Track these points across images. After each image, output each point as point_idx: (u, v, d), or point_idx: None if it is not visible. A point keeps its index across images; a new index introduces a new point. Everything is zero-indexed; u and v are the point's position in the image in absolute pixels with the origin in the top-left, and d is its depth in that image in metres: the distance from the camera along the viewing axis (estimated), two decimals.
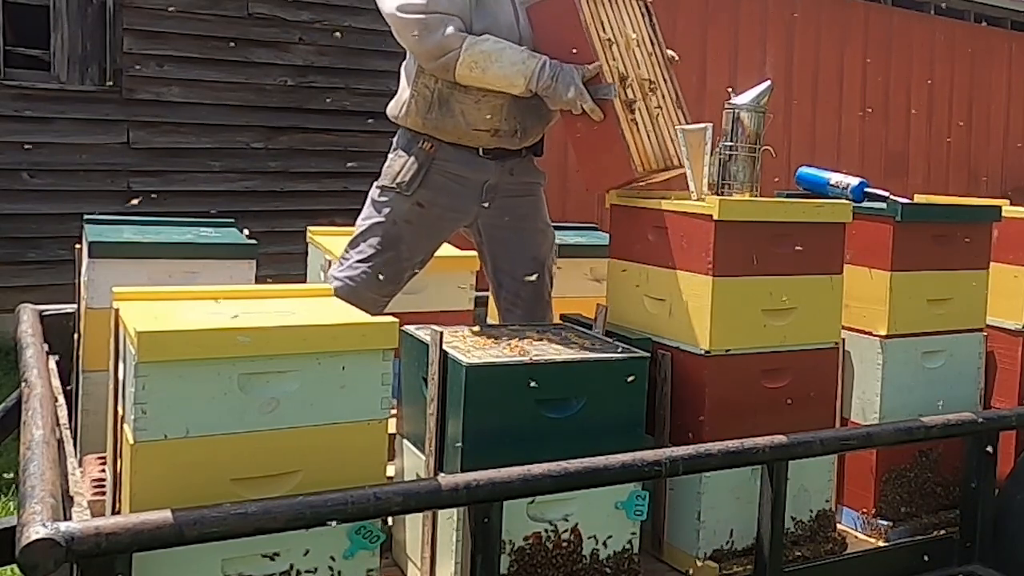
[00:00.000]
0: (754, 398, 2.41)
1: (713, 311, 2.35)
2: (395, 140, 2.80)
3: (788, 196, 2.90)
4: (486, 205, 2.74)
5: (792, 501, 2.38)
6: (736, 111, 2.58)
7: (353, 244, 2.76)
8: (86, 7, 6.51)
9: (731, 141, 2.57)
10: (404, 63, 2.77)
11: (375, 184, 2.77)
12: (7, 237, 6.22)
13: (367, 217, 2.76)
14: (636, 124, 2.55)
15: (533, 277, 2.82)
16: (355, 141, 7.14)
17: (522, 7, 2.71)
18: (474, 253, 2.97)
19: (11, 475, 3.97)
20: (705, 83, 8.19)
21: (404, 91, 2.72)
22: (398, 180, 2.70)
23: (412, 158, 2.69)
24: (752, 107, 2.58)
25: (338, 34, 6.99)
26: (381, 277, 2.70)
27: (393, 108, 2.77)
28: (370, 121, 6.97)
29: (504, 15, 2.67)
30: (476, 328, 2.42)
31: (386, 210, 2.72)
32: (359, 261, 2.72)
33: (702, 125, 2.57)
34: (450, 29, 2.54)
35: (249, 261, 2.87)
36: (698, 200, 2.50)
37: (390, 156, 2.77)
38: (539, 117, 2.75)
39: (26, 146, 6.22)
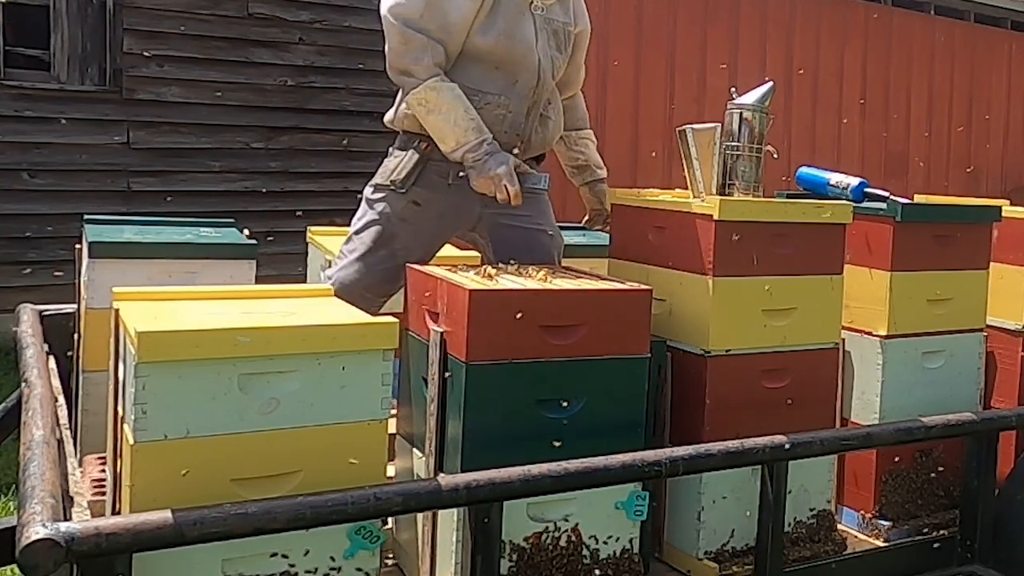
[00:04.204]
0: (754, 398, 2.41)
1: (713, 311, 2.36)
2: (393, 144, 2.78)
3: (788, 196, 2.90)
4: (488, 207, 2.70)
5: (792, 501, 2.39)
6: (741, 111, 2.58)
7: (347, 242, 2.74)
8: (86, 7, 6.51)
9: (736, 141, 2.57)
10: None
11: (369, 183, 2.75)
12: (7, 237, 6.23)
13: (361, 216, 2.73)
14: None
15: None
16: (355, 141, 7.15)
17: (552, 32, 2.69)
18: (475, 253, 2.96)
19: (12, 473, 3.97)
20: (705, 83, 8.19)
21: (401, 95, 2.68)
22: (392, 177, 2.66)
23: (407, 156, 2.65)
24: (757, 107, 2.58)
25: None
26: (376, 276, 2.66)
27: (390, 114, 2.75)
28: (367, 122, 6.98)
29: (523, 34, 2.62)
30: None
31: (380, 206, 2.69)
32: (354, 260, 2.69)
33: (711, 125, 2.57)
34: (427, 59, 2.51)
35: (249, 261, 2.87)
36: (698, 200, 2.50)
37: (386, 160, 2.75)
38: (543, 134, 2.74)
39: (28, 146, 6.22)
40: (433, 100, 2.51)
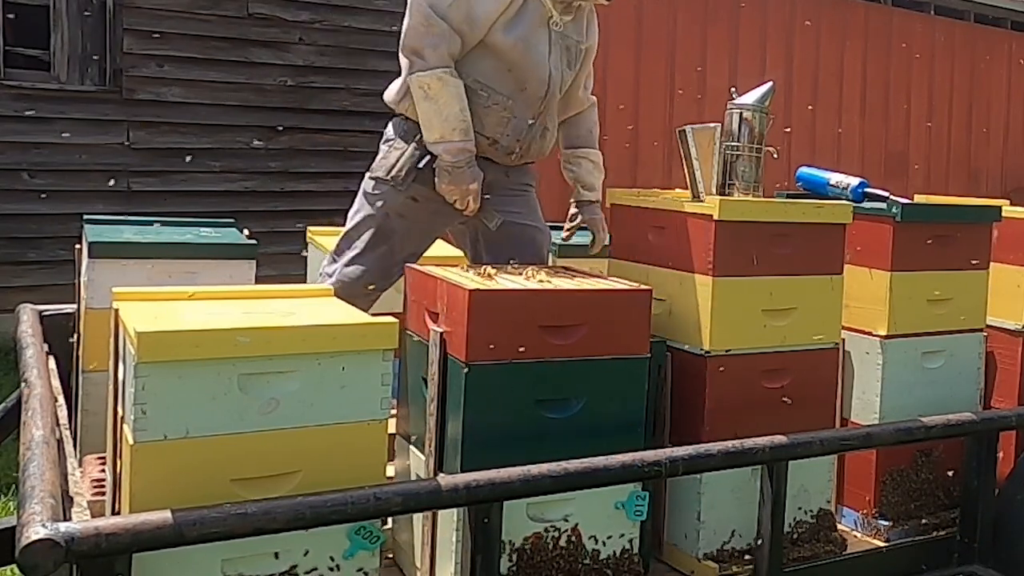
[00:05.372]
0: (754, 398, 2.41)
1: (713, 311, 2.35)
2: (390, 127, 2.77)
3: (788, 196, 2.90)
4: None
5: (792, 501, 2.38)
6: (741, 111, 2.58)
7: (346, 239, 2.74)
8: (86, 7, 6.51)
9: (736, 141, 2.57)
10: None
11: (368, 175, 2.75)
12: (7, 237, 6.22)
13: (359, 210, 2.74)
14: None
15: None
16: (355, 141, 7.14)
17: (565, 48, 2.69)
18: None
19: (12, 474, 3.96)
20: (705, 83, 8.19)
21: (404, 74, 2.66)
22: (393, 173, 2.67)
23: (408, 150, 2.66)
24: (757, 107, 2.58)
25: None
26: (376, 272, 2.69)
27: (393, 94, 2.73)
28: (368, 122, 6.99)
29: (537, 45, 2.63)
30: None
31: (379, 203, 2.70)
32: (354, 257, 2.71)
33: (711, 125, 2.57)
34: (443, 47, 2.53)
35: (249, 261, 2.87)
36: (698, 200, 2.50)
37: (384, 146, 2.75)
38: (541, 144, 2.77)
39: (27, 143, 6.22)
40: (436, 89, 2.53)
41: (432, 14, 2.53)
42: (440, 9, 2.52)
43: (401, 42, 2.61)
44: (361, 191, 2.76)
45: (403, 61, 2.61)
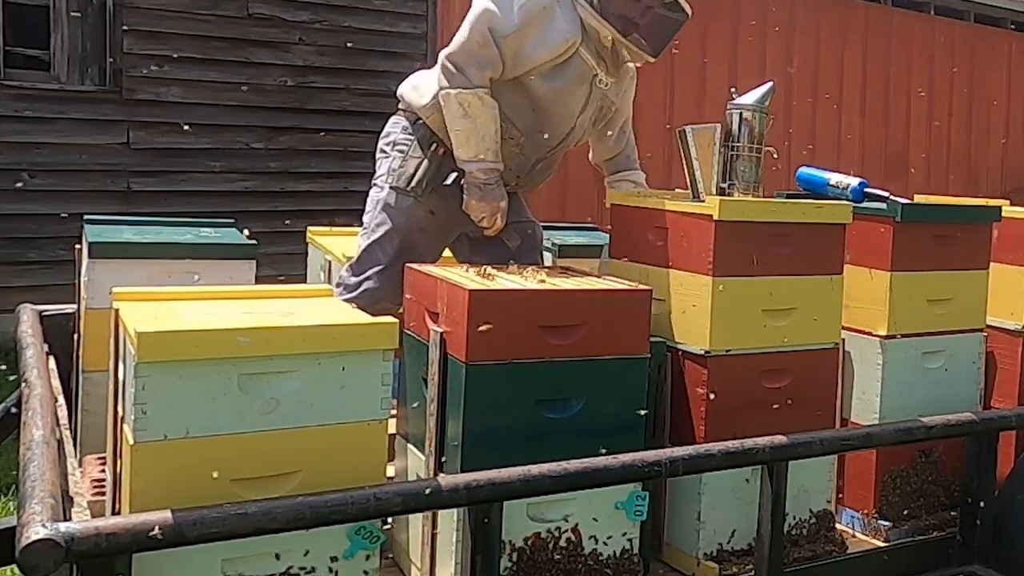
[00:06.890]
0: (754, 398, 2.41)
1: (713, 311, 2.35)
2: (399, 131, 2.76)
3: (788, 196, 2.90)
4: None
5: (792, 501, 2.38)
6: (741, 111, 2.58)
7: (368, 252, 2.73)
8: (86, 7, 6.51)
9: (736, 141, 2.57)
10: None
11: (388, 185, 2.73)
12: (7, 237, 6.22)
13: (381, 223, 2.72)
14: None
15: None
16: (355, 141, 7.14)
17: (599, 107, 2.74)
18: None
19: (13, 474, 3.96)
20: (705, 83, 8.19)
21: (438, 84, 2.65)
22: (412, 184, 2.69)
23: (425, 162, 2.69)
24: (757, 107, 2.59)
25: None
26: (397, 284, 2.63)
27: (415, 96, 2.73)
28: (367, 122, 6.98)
29: (571, 100, 2.66)
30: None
31: (403, 218, 2.71)
32: (378, 272, 2.70)
33: (711, 125, 2.58)
34: (488, 71, 2.56)
35: (249, 261, 2.86)
36: (698, 200, 2.50)
37: (394, 151, 2.74)
38: (536, 181, 2.85)
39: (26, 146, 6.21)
40: (476, 108, 2.55)
41: (490, 38, 2.55)
42: (498, 35, 2.54)
43: (447, 52, 2.60)
44: (380, 203, 2.73)
45: (443, 70, 2.60)
